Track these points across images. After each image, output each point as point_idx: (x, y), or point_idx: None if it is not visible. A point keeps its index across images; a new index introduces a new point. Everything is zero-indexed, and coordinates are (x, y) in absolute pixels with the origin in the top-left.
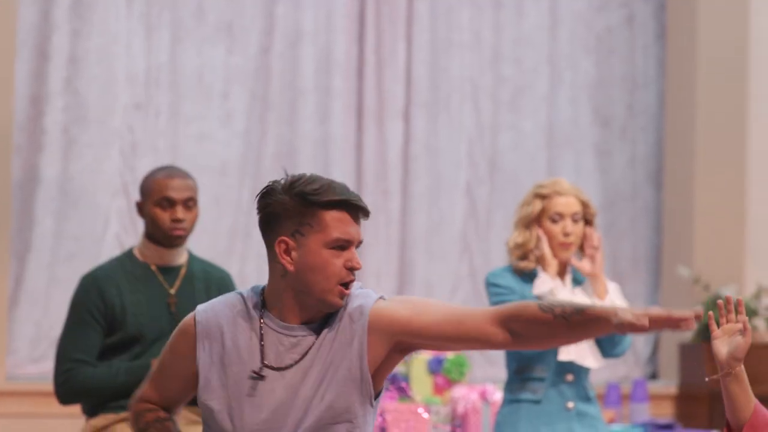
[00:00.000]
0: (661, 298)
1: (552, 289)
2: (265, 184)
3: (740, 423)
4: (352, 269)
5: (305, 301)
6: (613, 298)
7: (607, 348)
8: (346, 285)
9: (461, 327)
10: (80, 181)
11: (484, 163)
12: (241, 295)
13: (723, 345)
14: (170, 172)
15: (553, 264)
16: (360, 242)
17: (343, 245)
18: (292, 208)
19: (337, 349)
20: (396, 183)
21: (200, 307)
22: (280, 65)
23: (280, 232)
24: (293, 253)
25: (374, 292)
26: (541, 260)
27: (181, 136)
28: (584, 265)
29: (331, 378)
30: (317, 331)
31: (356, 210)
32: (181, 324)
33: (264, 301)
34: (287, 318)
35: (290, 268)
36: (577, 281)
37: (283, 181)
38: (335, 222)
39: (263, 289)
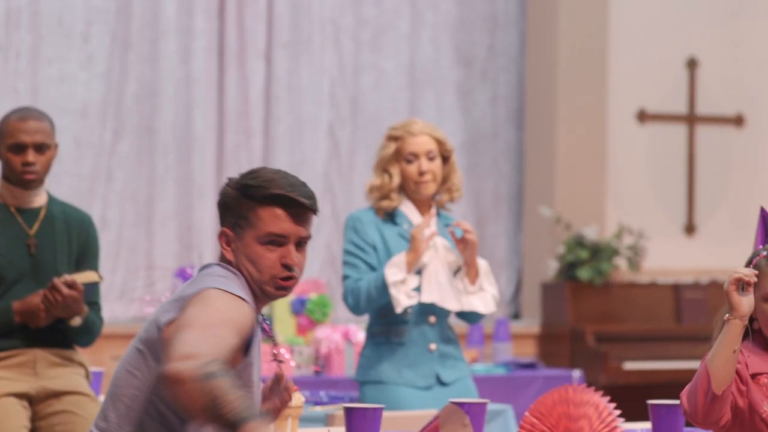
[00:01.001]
0: (524, 237)
1: (405, 279)
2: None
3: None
4: (286, 266)
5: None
6: (482, 282)
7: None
8: (285, 279)
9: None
10: None
11: (347, 103)
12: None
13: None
14: (23, 114)
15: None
16: (303, 238)
17: (276, 241)
18: (234, 201)
19: None
20: (258, 123)
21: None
22: (141, 5)
23: (224, 223)
24: (233, 245)
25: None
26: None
27: (42, 77)
28: (460, 249)
29: None
30: None
31: (297, 206)
32: (246, 310)
33: None
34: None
35: (230, 258)
36: (447, 225)
37: (233, 179)
38: (270, 218)
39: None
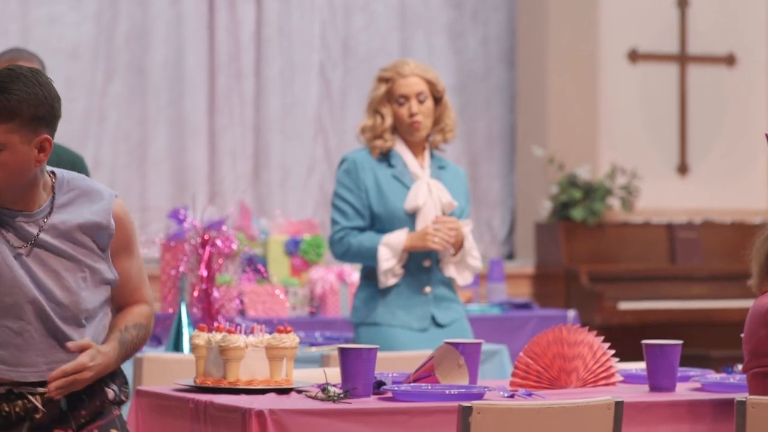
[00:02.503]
0: (517, 177)
1: (394, 267)
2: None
3: None
4: None
5: None
6: (464, 255)
7: None
8: None
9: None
10: None
11: (338, 44)
12: None
13: None
14: (14, 55)
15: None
16: None
17: None
18: None
19: None
20: (249, 65)
21: None
22: None
23: None
24: None
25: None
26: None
27: (32, 18)
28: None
29: None
30: None
31: None
32: None
33: None
34: None
35: None
36: (440, 166)
37: None
38: None
39: None
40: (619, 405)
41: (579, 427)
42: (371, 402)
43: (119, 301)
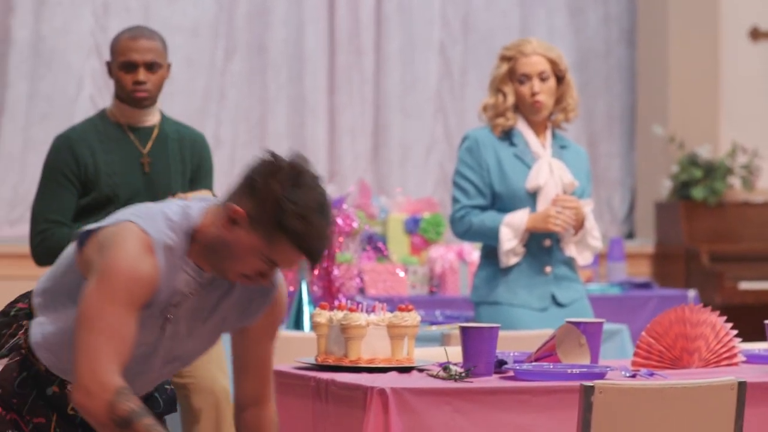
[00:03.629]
0: (637, 157)
1: (515, 247)
2: (270, 158)
3: None
4: (263, 275)
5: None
6: (585, 235)
7: None
8: (252, 280)
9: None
10: (52, 41)
11: (458, 22)
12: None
13: None
14: (135, 33)
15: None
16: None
17: (272, 265)
18: (268, 210)
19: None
20: (369, 42)
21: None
22: None
23: (244, 205)
24: (234, 226)
25: None
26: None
27: None
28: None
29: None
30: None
31: (312, 259)
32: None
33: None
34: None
35: (216, 231)
36: (562, 145)
37: (285, 174)
38: (285, 251)
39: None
40: (742, 385)
41: (701, 407)
42: (493, 381)
43: (253, 387)
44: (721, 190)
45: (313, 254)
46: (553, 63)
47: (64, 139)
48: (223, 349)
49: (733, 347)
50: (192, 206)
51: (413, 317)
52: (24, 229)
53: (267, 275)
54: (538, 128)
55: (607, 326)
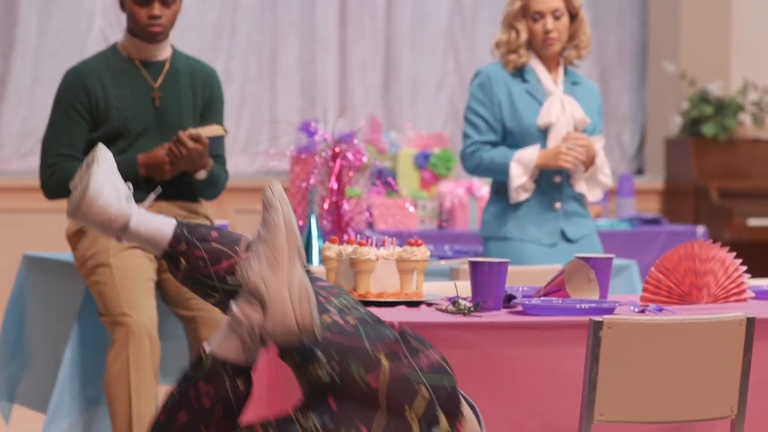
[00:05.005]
0: (648, 93)
1: (526, 183)
2: None
3: None
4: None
5: None
6: (595, 171)
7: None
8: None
9: None
10: None
11: None
12: None
13: None
14: None
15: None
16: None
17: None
18: None
19: None
20: None
21: None
22: None
23: None
24: None
25: None
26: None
27: None
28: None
29: None
30: None
31: None
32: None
33: None
34: None
35: None
36: (574, 82)
37: None
38: None
39: None
40: (750, 321)
41: (710, 343)
42: (501, 315)
43: None
44: (732, 127)
45: None
46: (567, 0)
47: (75, 73)
48: None
49: (742, 283)
50: None
51: (422, 252)
52: (34, 162)
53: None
54: (550, 65)
55: (616, 262)
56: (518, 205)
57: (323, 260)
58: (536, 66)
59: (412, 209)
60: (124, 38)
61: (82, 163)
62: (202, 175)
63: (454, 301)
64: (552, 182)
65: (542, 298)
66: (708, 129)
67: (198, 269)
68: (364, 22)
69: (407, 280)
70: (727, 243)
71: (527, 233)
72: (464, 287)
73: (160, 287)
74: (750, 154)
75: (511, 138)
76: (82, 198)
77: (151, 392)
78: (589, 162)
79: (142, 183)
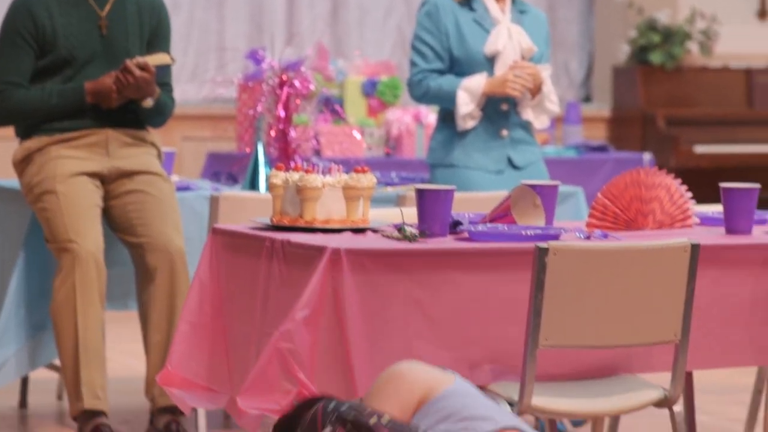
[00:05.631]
0: (595, 21)
1: (473, 111)
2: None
3: None
4: None
5: None
6: (542, 99)
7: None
8: None
9: None
10: None
11: None
12: None
13: None
14: None
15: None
16: None
17: None
18: None
19: None
20: None
21: None
22: None
23: None
24: None
25: None
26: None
27: None
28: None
29: None
30: None
31: None
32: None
33: None
34: None
35: None
36: (521, 10)
37: None
38: None
39: None
40: (695, 247)
41: (655, 268)
42: (447, 242)
43: None
44: (679, 55)
45: None
46: None
47: (22, 1)
48: (178, 208)
49: (688, 210)
50: None
51: (369, 179)
52: None
53: None
54: None
55: (563, 188)
56: (465, 133)
57: (270, 187)
58: None
59: (359, 137)
60: None
61: (28, 91)
62: (149, 103)
63: (400, 228)
64: (499, 110)
65: (488, 225)
66: (655, 57)
67: None
68: None
69: (353, 207)
70: (673, 170)
71: (474, 160)
72: (411, 214)
73: (106, 214)
74: (697, 82)
75: (459, 66)
76: None
77: (97, 318)
78: (536, 90)
79: (89, 111)
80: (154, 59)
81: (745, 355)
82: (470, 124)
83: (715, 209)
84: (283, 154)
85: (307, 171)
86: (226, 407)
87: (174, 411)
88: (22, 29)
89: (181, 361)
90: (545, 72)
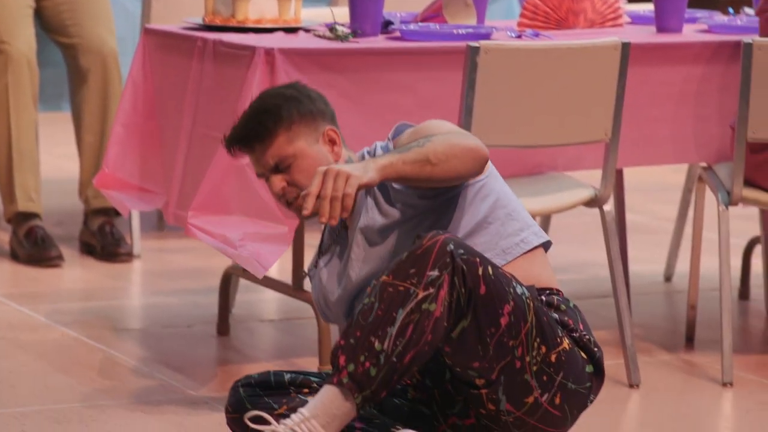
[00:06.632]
0: None
1: None
2: None
3: None
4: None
5: None
6: None
7: None
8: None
9: None
10: None
11: None
12: None
13: None
14: None
15: None
16: (276, 165)
17: (261, 176)
18: None
19: None
20: None
21: None
22: None
23: None
24: None
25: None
26: None
27: None
28: None
29: None
30: None
31: (243, 143)
32: None
33: None
34: None
35: None
36: None
37: None
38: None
39: None
40: (625, 46)
41: (586, 67)
42: (379, 41)
43: None
44: None
45: (239, 141)
46: None
47: None
48: (110, 9)
49: (619, 8)
50: None
51: None
52: None
53: (270, 188)
54: None
55: None
56: None
57: None
58: None
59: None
60: None
61: None
62: None
63: (331, 28)
64: None
65: (420, 24)
66: None
67: None
68: None
69: (285, 6)
70: None
71: None
72: (342, 13)
73: (38, 14)
74: None
75: None
76: None
77: (30, 119)
78: None
79: None
80: None
81: (673, 152)
82: None
83: (647, 8)
84: None
85: None
86: (162, 209)
87: (108, 212)
88: None
89: (116, 162)
90: None
